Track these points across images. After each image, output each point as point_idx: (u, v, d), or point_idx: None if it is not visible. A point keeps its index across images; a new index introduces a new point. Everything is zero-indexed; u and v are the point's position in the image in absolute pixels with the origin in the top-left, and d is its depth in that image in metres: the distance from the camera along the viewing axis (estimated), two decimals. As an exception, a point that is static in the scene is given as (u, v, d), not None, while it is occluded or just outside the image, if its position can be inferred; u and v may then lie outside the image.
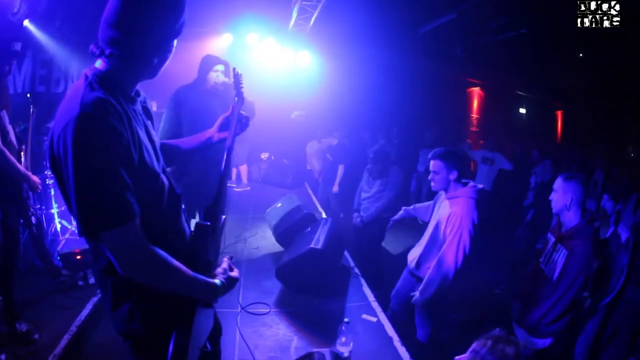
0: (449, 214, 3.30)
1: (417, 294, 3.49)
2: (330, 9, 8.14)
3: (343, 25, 9.45)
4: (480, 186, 3.41)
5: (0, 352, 3.18)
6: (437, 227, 3.45)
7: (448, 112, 13.04)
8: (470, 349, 1.69)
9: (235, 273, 1.69)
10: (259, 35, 9.57)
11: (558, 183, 2.95)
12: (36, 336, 3.35)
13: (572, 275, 2.76)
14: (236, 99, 2.10)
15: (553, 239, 3.05)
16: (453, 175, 3.37)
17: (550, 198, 3.03)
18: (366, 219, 5.63)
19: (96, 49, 1.39)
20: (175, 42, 1.50)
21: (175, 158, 1.99)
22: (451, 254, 3.22)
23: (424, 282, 3.43)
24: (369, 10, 8.51)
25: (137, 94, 1.56)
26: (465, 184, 3.39)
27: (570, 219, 2.91)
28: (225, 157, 1.84)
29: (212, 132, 2.05)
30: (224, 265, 1.68)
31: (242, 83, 2.14)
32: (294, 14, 8.53)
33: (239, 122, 2.03)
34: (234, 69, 2.15)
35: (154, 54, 1.44)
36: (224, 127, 2.05)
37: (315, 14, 8.34)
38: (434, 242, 3.48)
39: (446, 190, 3.46)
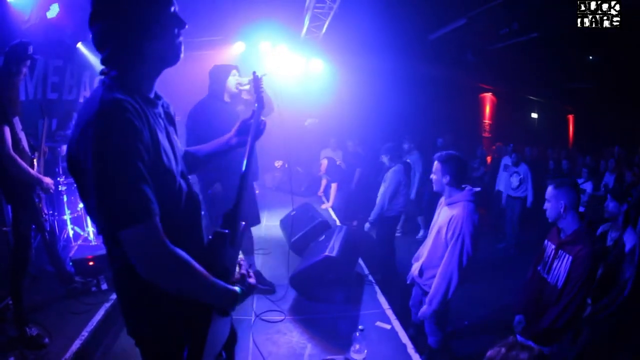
0: (449, 218, 3.28)
1: (424, 307, 3.40)
2: (342, 17, 8.16)
3: (355, 33, 9.47)
4: (477, 189, 3.38)
5: (9, 356, 3.17)
6: (438, 233, 3.40)
7: (460, 119, 13.00)
8: (486, 357, 1.65)
9: (253, 280, 1.64)
10: (271, 43, 9.62)
11: (550, 192, 2.94)
12: (46, 340, 3.34)
13: (579, 281, 2.68)
14: (256, 104, 2.03)
15: (553, 246, 2.98)
16: (445, 179, 3.37)
17: (544, 207, 3.00)
18: (372, 219, 5.69)
19: (104, 70, 1.41)
20: (177, 30, 1.46)
21: (196, 164, 1.98)
22: (455, 259, 3.19)
23: (431, 292, 3.34)
24: (380, 17, 8.52)
25: (157, 97, 1.54)
26: (462, 189, 3.37)
27: (569, 224, 2.88)
28: (245, 161, 1.79)
29: (231, 136, 2.01)
30: (242, 271, 1.63)
31: (262, 87, 2.10)
32: (306, 22, 8.56)
33: (257, 127, 1.97)
34: (253, 72, 2.11)
35: (155, 46, 1.41)
36: (242, 131, 1.99)
37: (327, 21, 8.36)
38: (436, 249, 3.41)
39: (444, 194, 3.48)
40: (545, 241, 3.11)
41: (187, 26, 1.47)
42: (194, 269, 1.36)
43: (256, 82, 2.08)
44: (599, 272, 3.37)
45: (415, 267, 3.70)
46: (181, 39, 1.48)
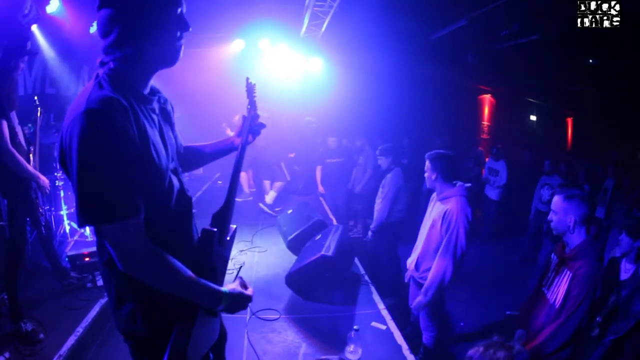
0: (443, 212, 3.40)
1: (420, 297, 3.52)
2: (342, 16, 8.16)
3: (354, 32, 9.46)
4: (468, 185, 3.52)
5: (4, 351, 3.17)
6: (432, 226, 3.52)
7: (459, 120, 12.99)
8: (466, 356, 1.67)
9: (249, 292, 1.64)
10: (270, 41, 9.62)
11: (557, 203, 2.68)
12: (41, 336, 3.34)
13: (577, 301, 2.49)
14: (248, 107, 2.12)
15: (556, 260, 2.79)
16: (434, 176, 3.54)
17: (549, 219, 2.78)
18: (373, 228, 5.57)
19: (103, 60, 1.41)
20: (179, 33, 1.46)
21: (202, 160, 2.06)
22: (450, 251, 3.32)
23: (426, 283, 3.46)
24: (380, 17, 8.51)
25: (153, 92, 1.54)
26: (454, 185, 3.51)
27: (574, 238, 2.65)
28: (234, 164, 1.84)
29: (233, 138, 2.08)
30: (237, 282, 1.64)
31: (255, 93, 2.15)
32: (306, 20, 8.55)
33: (250, 129, 2.04)
34: (247, 78, 2.16)
35: (155, 45, 1.41)
36: (241, 134, 2.07)
37: (327, 20, 8.35)
38: (431, 242, 3.53)
39: (436, 190, 3.61)
40: (552, 255, 2.93)
41: (190, 29, 1.48)
42: (175, 267, 1.37)
43: (249, 88, 2.13)
44: (612, 299, 3.34)
45: (411, 262, 3.80)
46: (182, 41, 1.48)
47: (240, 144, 1.95)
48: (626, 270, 3.47)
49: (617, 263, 3.54)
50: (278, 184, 7.94)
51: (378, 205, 5.58)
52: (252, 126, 2.06)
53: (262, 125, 2.11)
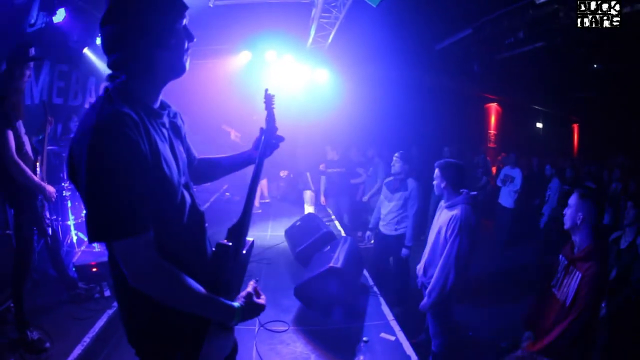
0: (448, 219, 3.49)
1: (424, 299, 3.57)
2: (348, 26, 8.18)
3: (360, 42, 9.48)
4: (474, 193, 3.65)
5: (9, 358, 3.15)
6: (438, 233, 3.60)
7: (466, 129, 12.96)
8: None
9: (261, 300, 1.62)
10: (277, 52, 9.67)
11: (573, 199, 2.86)
12: (47, 345, 3.33)
13: (586, 299, 2.62)
14: (267, 119, 2.05)
15: (565, 262, 2.90)
16: (443, 184, 3.63)
17: (564, 212, 2.93)
18: (410, 245, 5.16)
19: (114, 75, 1.40)
20: (186, 44, 1.45)
21: (218, 172, 2.02)
22: (452, 254, 3.41)
23: (430, 285, 3.52)
24: (386, 27, 8.51)
25: (163, 107, 1.53)
26: (460, 193, 3.60)
27: (582, 239, 2.79)
28: (252, 177, 1.81)
29: (251, 150, 2.04)
30: (249, 289, 1.61)
31: (273, 104, 2.09)
32: (312, 32, 8.59)
33: (268, 143, 1.99)
34: (266, 90, 2.09)
35: (165, 56, 1.40)
36: (258, 146, 2.02)
37: (334, 31, 8.38)
38: (437, 247, 3.61)
39: (444, 198, 3.71)
40: (560, 255, 3.03)
41: (195, 39, 1.48)
42: (185, 284, 1.35)
43: (268, 99, 2.06)
44: (613, 273, 3.42)
45: (420, 267, 3.83)
46: (189, 53, 1.48)
47: (258, 158, 1.90)
48: (626, 242, 3.65)
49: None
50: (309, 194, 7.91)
51: (396, 216, 5.29)
52: (270, 140, 2.01)
53: (281, 139, 2.05)
